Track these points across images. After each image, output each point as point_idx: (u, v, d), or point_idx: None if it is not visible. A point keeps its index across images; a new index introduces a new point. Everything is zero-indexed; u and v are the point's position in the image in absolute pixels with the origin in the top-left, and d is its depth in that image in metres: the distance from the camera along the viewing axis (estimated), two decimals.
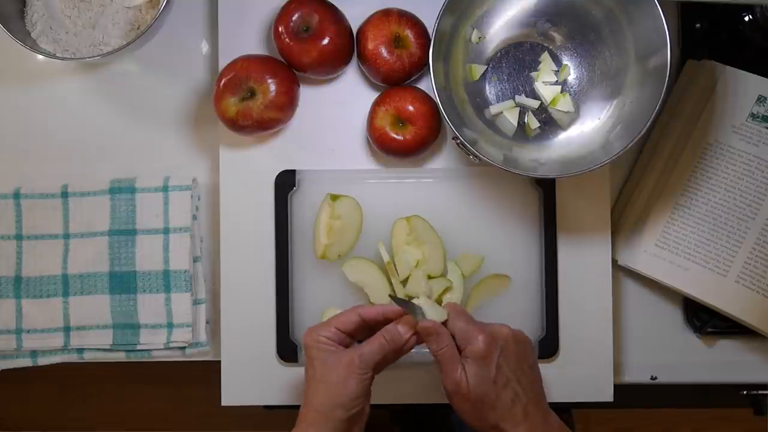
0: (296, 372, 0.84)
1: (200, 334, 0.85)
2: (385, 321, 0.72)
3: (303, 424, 0.70)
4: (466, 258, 0.81)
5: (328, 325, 0.72)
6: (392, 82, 0.81)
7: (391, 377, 0.79)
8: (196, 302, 0.85)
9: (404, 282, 0.81)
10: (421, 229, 0.81)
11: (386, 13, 0.80)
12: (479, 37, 0.82)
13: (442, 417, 1.11)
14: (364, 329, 0.72)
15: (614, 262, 0.85)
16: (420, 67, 0.81)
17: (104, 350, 0.85)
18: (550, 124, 0.82)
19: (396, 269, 0.81)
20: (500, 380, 0.69)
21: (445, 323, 0.71)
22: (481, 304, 0.81)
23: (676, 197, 0.84)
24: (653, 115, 0.73)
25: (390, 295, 0.78)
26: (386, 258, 0.80)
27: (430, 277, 0.80)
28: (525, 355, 0.72)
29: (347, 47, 0.81)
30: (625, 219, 0.86)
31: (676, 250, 0.83)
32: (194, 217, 0.85)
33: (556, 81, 0.82)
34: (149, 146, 0.88)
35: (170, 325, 0.84)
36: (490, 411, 0.69)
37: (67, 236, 0.85)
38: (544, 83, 0.82)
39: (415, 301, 0.72)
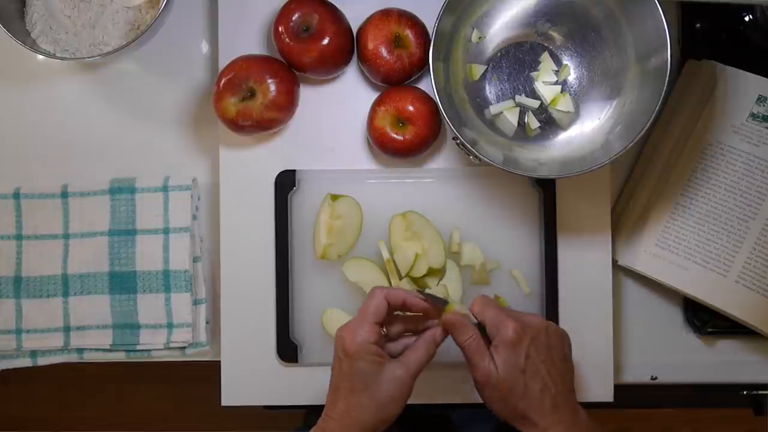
0: (296, 372, 0.84)
1: (200, 334, 0.85)
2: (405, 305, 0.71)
3: None
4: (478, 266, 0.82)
5: (367, 323, 0.69)
6: (392, 82, 0.81)
7: None
8: (196, 302, 0.85)
9: (409, 279, 0.81)
10: (418, 224, 0.81)
11: (386, 13, 0.80)
12: (479, 37, 0.82)
13: (446, 417, 1.11)
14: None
15: (614, 262, 0.85)
16: (420, 67, 0.81)
17: (104, 350, 0.85)
18: (550, 124, 0.82)
19: (396, 267, 0.81)
20: (529, 369, 0.69)
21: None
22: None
23: (676, 197, 0.84)
24: (653, 115, 0.73)
25: (418, 290, 0.77)
26: (386, 256, 0.80)
27: (431, 270, 0.80)
28: (556, 346, 0.71)
29: (347, 47, 0.81)
30: (625, 219, 0.86)
31: (676, 250, 0.83)
32: (194, 217, 0.85)
33: (556, 81, 0.82)
34: (149, 146, 0.88)
35: (170, 325, 0.84)
36: (519, 400, 0.69)
37: (67, 236, 0.85)
38: (544, 83, 0.82)
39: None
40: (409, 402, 0.85)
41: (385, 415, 0.69)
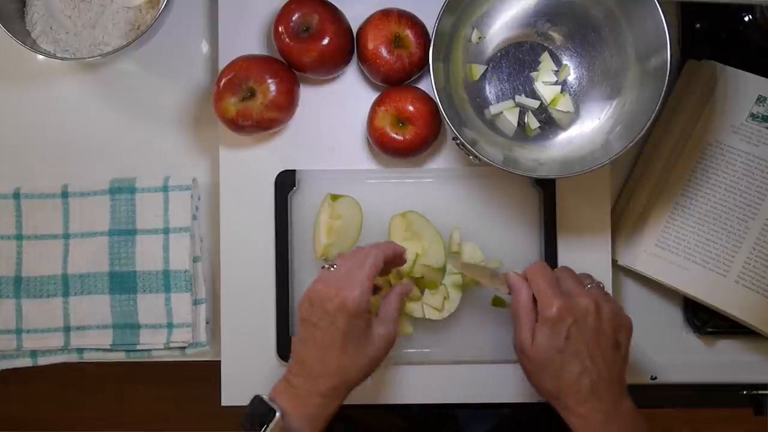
0: None
1: (200, 334, 0.85)
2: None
3: (329, 394, 0.68)
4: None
5: (367, 279, 0.68)
6: (392, 82, 0.81)
7: (398, 377, 0.80)
8: (196, 302, 0.85)
9: (409, 279, 0.81)
10: (418, 224, 0.81)
11: (386, 13, 0.80)
12: (479, 37, 0.82)
13: (450, 417, 1.11)
14: None
15: (614, 262, 0.85)
16: (420, 67, 0.81)
17: (104, 350, 0.85)
18: (550, 124, 0.82)
19: None
20: (569, 350, 0.67)
21: None
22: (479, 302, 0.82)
23: (676, 197, 0.84)
24: (653, 115, 0.73)
25: (453, 253, 0.79)
26: None
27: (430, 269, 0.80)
28: (605, 331, 0.69)
29: (347, 47, 0.81)
30: (625, 219, 0.86)
31: (676, 250, 0.84)
32: (194, 217, 0.85)
33: (556, 81, 0.82)
34: (149, 146, 0.88)
35: (170, 325, 0.84)
36: (552, 380, 0.68)
37: (67, 236, 0.85)
38: (544, 83, 0.82)
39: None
40: (409, 402, 0.85)
41: (373, 369, 0.70)
